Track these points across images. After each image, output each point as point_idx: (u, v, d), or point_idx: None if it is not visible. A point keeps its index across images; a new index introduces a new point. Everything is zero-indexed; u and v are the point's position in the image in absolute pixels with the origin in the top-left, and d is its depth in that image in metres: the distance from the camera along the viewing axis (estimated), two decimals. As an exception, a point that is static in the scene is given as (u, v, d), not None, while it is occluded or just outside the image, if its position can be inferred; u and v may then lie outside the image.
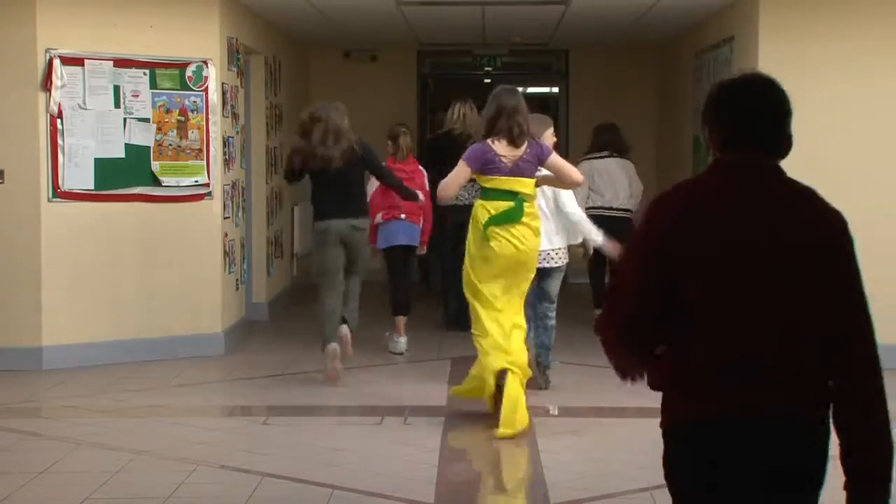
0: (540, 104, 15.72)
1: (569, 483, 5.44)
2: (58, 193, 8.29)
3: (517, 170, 6.42)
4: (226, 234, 9.08)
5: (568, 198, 7.31)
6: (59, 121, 8.26)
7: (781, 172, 2.76)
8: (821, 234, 2.69)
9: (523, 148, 6.41)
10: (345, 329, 7.84)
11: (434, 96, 14.83)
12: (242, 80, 9.83)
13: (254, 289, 10.57)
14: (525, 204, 6.45)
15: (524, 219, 6.43)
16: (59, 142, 8.26)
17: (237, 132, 9.55)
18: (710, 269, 2.59)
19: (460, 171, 6.48)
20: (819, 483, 2.69)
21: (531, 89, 16.54)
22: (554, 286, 7.53)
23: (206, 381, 8.04)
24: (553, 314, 7.67)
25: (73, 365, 8.25)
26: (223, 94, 9.00)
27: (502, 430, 6.23)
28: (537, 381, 7.46)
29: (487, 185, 6.49)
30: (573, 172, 6.68)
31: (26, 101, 8.23)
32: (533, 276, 6.73)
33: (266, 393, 7.72)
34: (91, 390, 7.58)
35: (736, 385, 2.57)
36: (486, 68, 14.27)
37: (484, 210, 6.46)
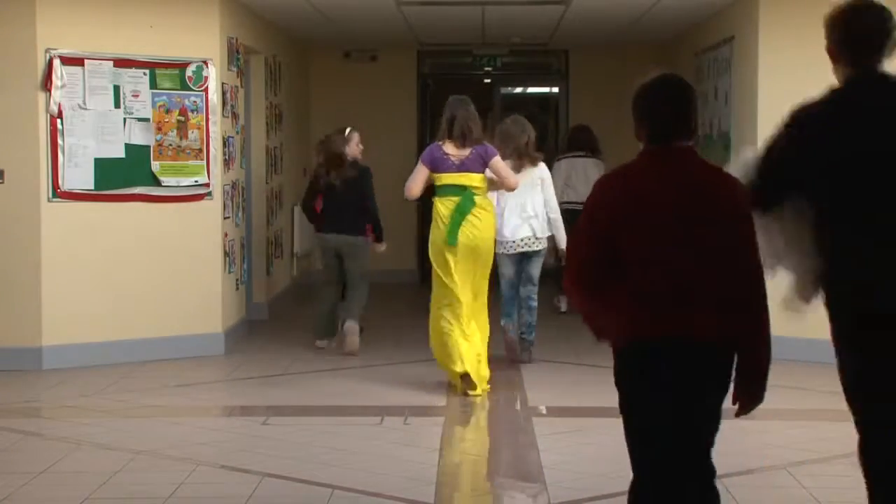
0: (540, 104, 15.76)
1: (569, 483, 5.44)
2: (58, 193, 8.29)
3: (463, 167, 7.39)
4: (226, 234, 9.08)
5: (550, 197, 8.52)
6: (59, 121, 8.26)
7: (695, 154, 3.56)
8: (724, 200, 3.48)
9: (469, 150, 7.38)
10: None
11: (434, 96, 14.83)
12: (242, 80, 9.83)
13: (254, 289, 10.57)
14: (475, 197, 7.39)
15: (475, 210, 7.35)
16: (59, 142, 8.26)
17: (237, 132, 9.56)
18: (635, 226, 3.46)
19: (419, 171, 7.49)
20: (726, 387, 3.56)
21: (531, 89, 16.56)
22: (535, 269, 8.53)
23: (206, 381, 8.05)
24: (535, 296, 8.57)
25: (73, 365, 8.26)
26: (223, 94, 9.01)
27: (472, 393, 7.37)
28: (520, 356, 8.50)
29: (440, 182, 7.45)
30: (510, 178, 7.60)
31: (26, 101, 8.24)
32: (490, 259, 7.52)
33: (266, 393, 7.73)
34: (91, 390, 7.58)
35: (648, 315, 3.46)
36: (486, 68, 14.27)
37: (440, 205, 7.42)
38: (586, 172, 10.60)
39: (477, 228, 7.36)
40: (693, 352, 3.44)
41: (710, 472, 3.58)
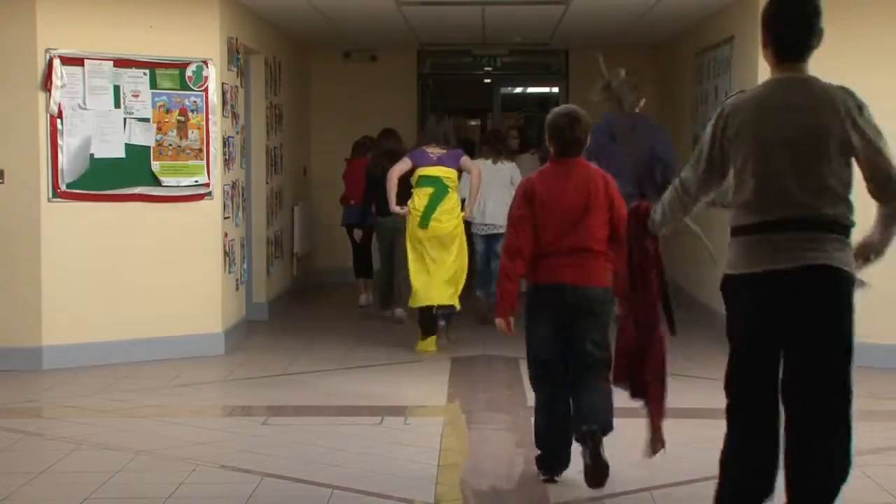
0: (540, 104, 15.76)
1: (569, 483, 5.44)
2: (58, 193, 8.29)
3: (440, 162, 9.12)
4: (226, 234, 9.09)
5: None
6: (59, 121, 8.26)
7: (584, 164, 5.50)
8: (600, 192, 5.39)
9: (446, 150, 9.18)
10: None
11: (434, 96, 14.84)
12: (242, 80, 9.84)
13: (254, 289, 10.58)
14: (449, 189, 9.07)
15: (443, 205, 9.02)
16: (59, 142, 8.26)
17: (237, 132, 9.56)
18: (542, 207, 5.35)
19: (403, 161, 9.27)
20: (606, 315, 5.38)
21: (531, 89, 16.57)
22: (500, 247, 9.44)
23: (206, 381, 8.05)
24: None
25: (73, 365, 8.26)
26: (223, 94, 9.01)
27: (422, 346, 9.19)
28: (488, 316, 9.75)
29: (420, 173, 9.12)
30: (473, 169, 9.38)
31: (26, 101, 8.24)
32: (455, 245, 9.14)
33: (266, 393, 7.73)
34: (91, 390, 7.58)
35: (551, 267, 5.33)
36: (486, 68, 14.28)
37: (416, 197, 9.08)
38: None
39: (441, 222, 9.03)
40: (575, 290, 5.33)
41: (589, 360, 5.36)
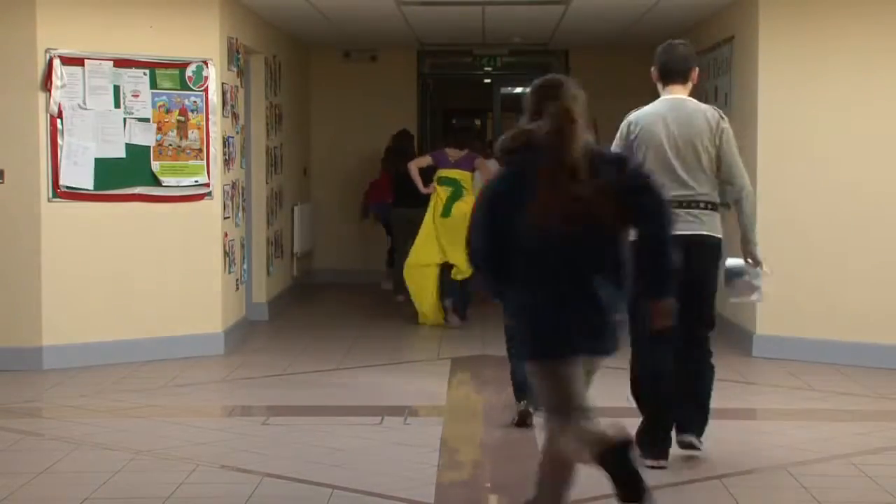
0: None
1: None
2: (58, 193, 8.29)
3: (457, 165, 10.32)
4: (226, 234, 9.09)
5: None
6: (59, 121, 8.26)
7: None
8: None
9: (463, 154, 10.36)
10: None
11: (434, 96, 14.84)
12: (242, 80, 9.84)
13: (254, 289, 10.58)
14: (464, 191, 10.22)
15: (459, 205, 10.06)
16: (59, 142, 8.26)
17: (237, 132, 9.56)
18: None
19: (424, 157, 10.72)
20: None
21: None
22: None
23: (206, 381, 8.05)
24: None
25: (73, 365, 8.26)
26: (223, 94, 9.01)
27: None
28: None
29: (440, 174, 10.35)
30: (485, 171, 9.93)
31: (26, 101, 8.24)
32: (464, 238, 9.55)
33: (266, 393, 7.73)
34: (91, 390, 7.58)
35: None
36: (486, 68, 14.27)
37: (440, 190, 10.30)
38: None
39: (460, 210, 9.89)
40: None
41: None
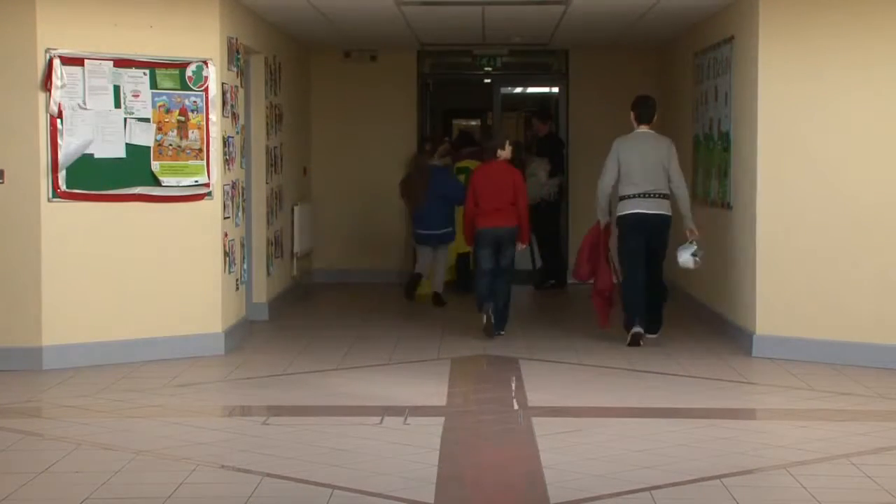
0: (540, 104, 15.76)
1: (569, 483, 5.44)
2: (58, 193, 8.29)
3: (468, 156, 12.57)
4: (226, 234, 9.09)
5: None
6: (59, 121, 8.26)
7: (504, 164, 9.75)
8: (513, 181, 9.64)
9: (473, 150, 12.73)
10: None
11: (434, 96, 14.83)
12: (242, 80, 9.83)
13: (254, 289, 10.57)
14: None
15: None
16: (59, 142, 8.26)
17: (237, 132, 9.56)
18: (484, 189, 9.50)
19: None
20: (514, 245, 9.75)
21: (531, 89, 16.55)
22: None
23: (206, 381, 8.05)
24: None
25: (73, 365, 8.26)
26: (223, 94, 9.01)
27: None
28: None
29: (458, 165, 12.47)
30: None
31: (26, 101, 8.24)
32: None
33: (266, 393, 7.73)
34: (91, 390, 7.58)
35: (490, 221, 9.64)
36: (486, 68, 14.26)
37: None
38: (535, 171, 12.92)
39: None
40: (501, 232, 9.63)
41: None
